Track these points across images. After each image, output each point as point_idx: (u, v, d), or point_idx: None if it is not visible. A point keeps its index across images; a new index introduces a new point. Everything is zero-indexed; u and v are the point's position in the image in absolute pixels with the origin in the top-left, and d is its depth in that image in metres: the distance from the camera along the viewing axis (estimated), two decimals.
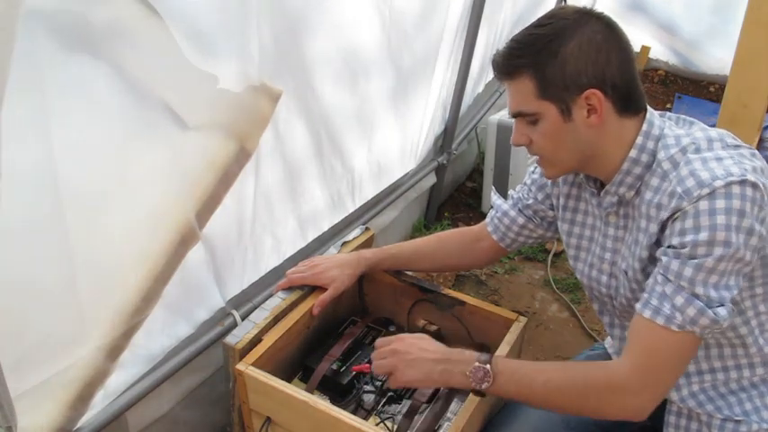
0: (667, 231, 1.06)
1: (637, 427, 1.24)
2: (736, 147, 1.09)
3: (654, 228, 1.09)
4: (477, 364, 1.12)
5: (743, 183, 1.00)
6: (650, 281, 1.07)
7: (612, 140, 1.12)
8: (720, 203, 1.00)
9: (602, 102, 1.08)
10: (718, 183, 1.00)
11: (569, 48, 1.07)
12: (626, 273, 1.18)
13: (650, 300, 1.05)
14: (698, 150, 1.07)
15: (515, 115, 1.14)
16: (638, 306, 1.07)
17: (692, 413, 1.21)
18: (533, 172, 1.41)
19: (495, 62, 1.14)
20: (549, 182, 1.35)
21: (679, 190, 1.03)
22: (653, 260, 1.11)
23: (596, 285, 1.27)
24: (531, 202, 1.40)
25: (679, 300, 1.02)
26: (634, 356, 1.07)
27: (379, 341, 1.24)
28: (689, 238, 1.01)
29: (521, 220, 1.42)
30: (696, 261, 1.01)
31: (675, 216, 1.04)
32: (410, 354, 1.17)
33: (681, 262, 1.02)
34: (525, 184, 1.43)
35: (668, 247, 1.05)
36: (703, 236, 1.00)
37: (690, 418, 1.22)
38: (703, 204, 1.00)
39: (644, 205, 1.12)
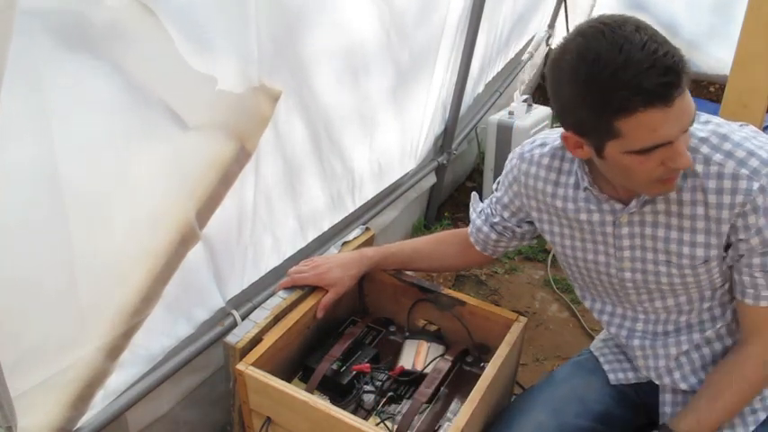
0: (750, 221, 1.07)
1: (630, 405, 1.33)
2: (749, 128, 1.13)
3: (724, 214, 1.09)
4: None
5: None
6: (746, 279, 1.13)
7: None
8: None
9: None
10: None
11: None
12: (682, 261, 1.17)
13: (762, 292, 1.12)
14: (735, 131, 1.10)
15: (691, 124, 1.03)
16: (747, 301, 1.14)
17: (687, 394, 1.27)
18: (497, 190, 1.43)
19: (681, 66, 0.96)
20: (515, 199, 1.36)
21: (745, 171, 1.05)
22: (726, 244, 1.13)
23: (617, 281, 1.27)
24: (497, 220, 1.42)
25: None
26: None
27: None
28: None
29: (493, 235, 1.44)
30: None
31: (755, 198, 1.05)
32: None
33: None
34: (491, 201, 1.44)
35: (757, 241, 1.07)
36: None
37: (685, 392, 1.27)
38: None
39: (688, 193, 1.11)
